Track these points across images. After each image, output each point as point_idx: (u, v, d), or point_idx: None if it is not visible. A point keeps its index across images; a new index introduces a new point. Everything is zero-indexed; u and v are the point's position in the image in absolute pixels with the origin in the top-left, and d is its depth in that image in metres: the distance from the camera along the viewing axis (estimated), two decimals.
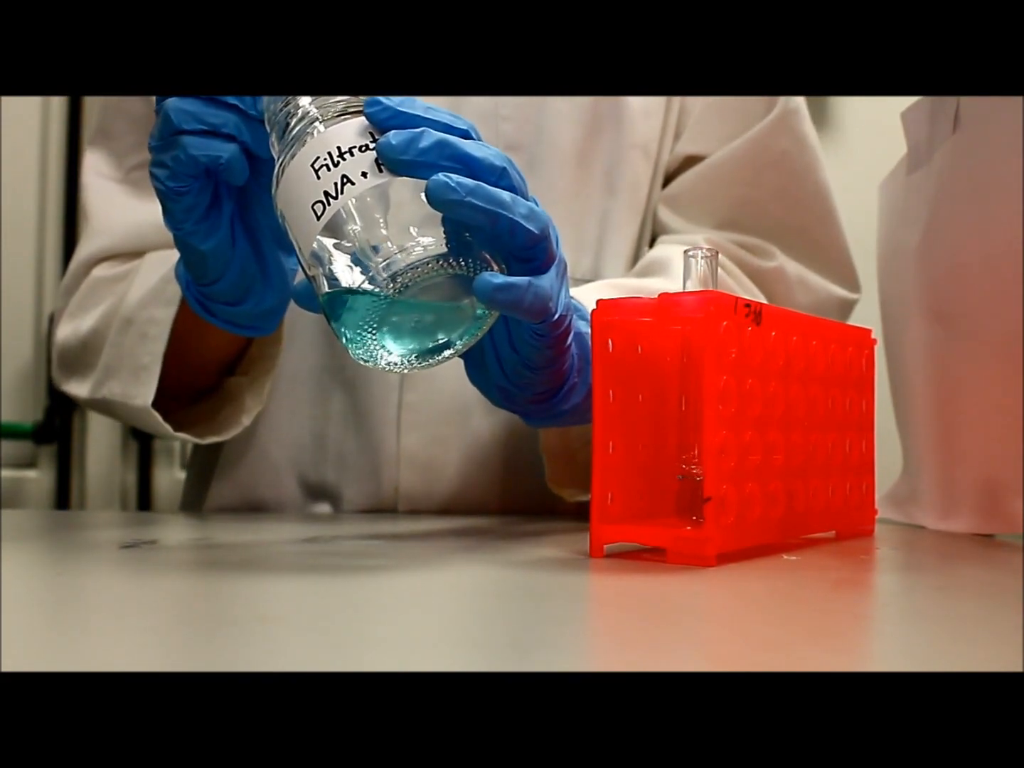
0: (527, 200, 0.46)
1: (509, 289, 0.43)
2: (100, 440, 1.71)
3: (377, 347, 0.44)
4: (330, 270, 0.44)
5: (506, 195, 0.44)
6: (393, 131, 0.44)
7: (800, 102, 0.81)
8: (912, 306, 0.68)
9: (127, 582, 0.42)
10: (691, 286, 0.49)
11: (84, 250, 0.78)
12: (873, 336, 0.61)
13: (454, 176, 0.42)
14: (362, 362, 0.45)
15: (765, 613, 0.37)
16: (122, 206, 0.76)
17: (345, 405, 0.74)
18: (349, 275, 0.43)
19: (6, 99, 1.59)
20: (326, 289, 0.44)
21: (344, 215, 0.43)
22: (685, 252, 0.49)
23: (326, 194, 0.44)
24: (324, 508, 0.75)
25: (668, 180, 0.82)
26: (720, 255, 0.76)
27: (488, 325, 0.47)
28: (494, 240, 0.45)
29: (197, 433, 0.71)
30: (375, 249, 0.42)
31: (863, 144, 1.52)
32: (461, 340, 0.46)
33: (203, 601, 0.38)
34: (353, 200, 0.43)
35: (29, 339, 1.70)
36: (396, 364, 0.46)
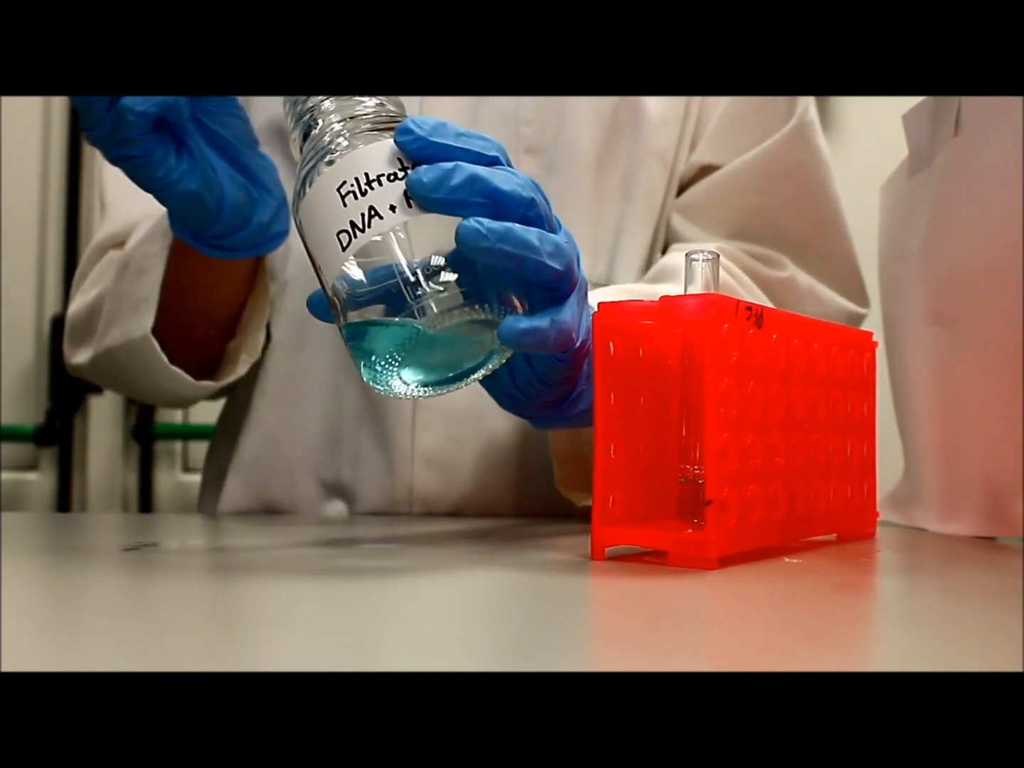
0: (553, 227, 0.47)
1: (534, 332, 0.44)
2: (101, 442, 1.71)
3: (394, 377, 0.45)
4: (353, 301, 0.43)
5: (534, 236, 0.44)
6: (424, 166, 0.43)
7: (814, 115, 0.81)
8: (913, 308, 0.68)
9: (128, 584, 0.42)
10: (693, 289, 0.49)
11: (99, 235, 0.80)
12: (874, 338, 0.61)
13: (484, 222, 0.43)
14: (376, 389, 0.45)
15: (766, 616, 0.37)
16: (138, 193, 0.77)
17: (360, 404, 0.75)
18: (372, 309, 0.43)
19: (6, 99, 1.59)
20: (347, 320, 0.44)
21: (369, 250, 0.43)
22: (687, 255, 0.49)
23: (352, 224, 0.43)
24: (339, 506, 0.76)
25: (682, 189, 0.82)
26: (731, 264, 0.76)
27: (505, 357, 0.47)
28: (519, 277, 0.45)
29: (192, 375, 0.73)
30: (399, 285, 0.42)
31: (864, 146, 1.52)
32: (478, 371, 0.47)
33: (204, 603, 0.38)
34: (380, 236, 0.43)
35: (30, 341, 1.70)
36: (411, 393, 0.46)
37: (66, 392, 1.66)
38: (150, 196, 0.77)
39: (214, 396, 0.87)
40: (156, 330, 0.70)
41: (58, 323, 1.65)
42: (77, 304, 0.78)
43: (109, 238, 0.78)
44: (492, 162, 0.46)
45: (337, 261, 0.44)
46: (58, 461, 1.69)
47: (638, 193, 0.78)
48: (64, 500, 1.68)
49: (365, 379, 0.45)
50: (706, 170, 0.81)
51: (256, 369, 0.78)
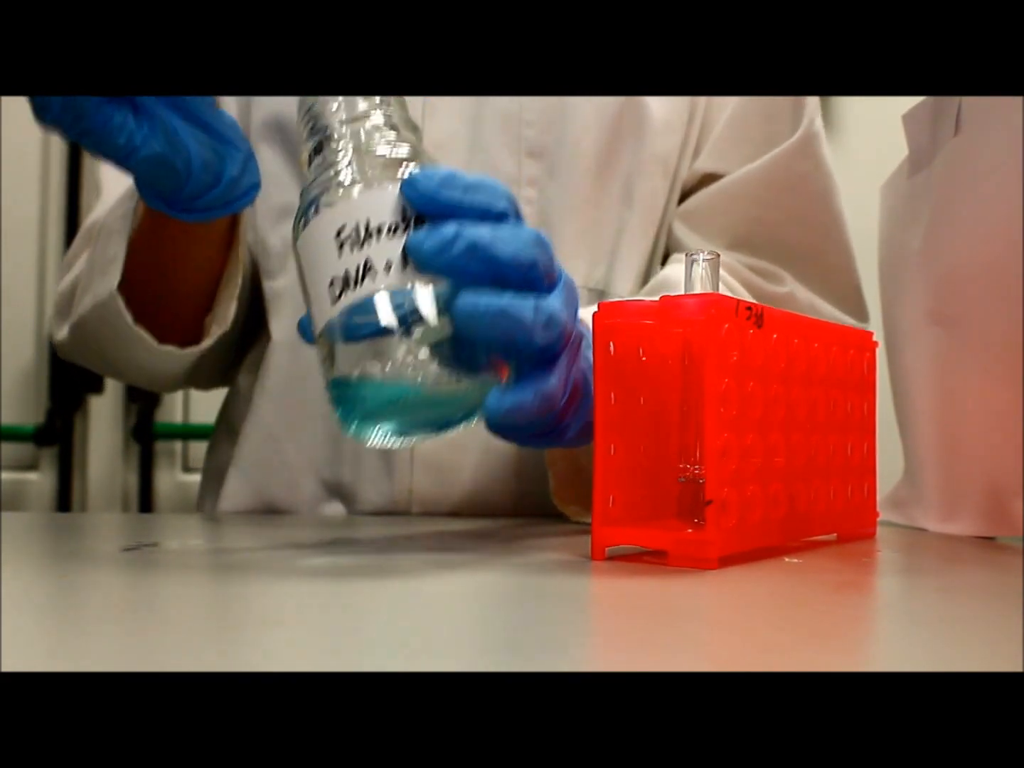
0: (554, 280, 0.47)
1: (517, 409, 0.45)
2: (101, 442, 1.71)
3: (372, 431, 0.44)
4: (341, 353, 0.43)
5: (529, 312, 0.44)
6: (425, 231, 0.43)
7: (820, 125, 0.80)
8: (913, 308, 0.68)
9: (128, 584, 0.42)
10: (692, 289, 0.49)
11: (90, 218, 0.81)
12: (874, 338, 0.61)
13: (481, 299, 0.43)
14: (355, 439, 0.45)
15: (767, 615, 0.37)
16: (129, 179, 0.78)
17: None
18: (358, 365, 0.43)
19: (6, 99, 1.59)
20: (333, 373, 0.44)
21: (359, 307, 0.43)
22: (687, 255, 0.49)
23: (346, 274, 0.43)
24: (338, 508, 0.76)
25: (685, 197, 0.81)
26: (730, 277, 0.76)
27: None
28: (511, 344, 0.45)
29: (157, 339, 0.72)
30: (386, 346, 0.42)
31: (864, 146, 1.52)
32: (458, 426, 0.46)
33: (204, 603, 0.38)
34: (371, 294, 0.42)
35: (30, 341, 1.70)
36: (390, 444, 0.46)
37: (66, 392, 1.66)
38: None
39: (209, 386, 0.87)
40: (137, 303, 0.70)
41: None
42: (62, 283, 0.79)
43: (97, 220, 0.78)
44: (500, 215, 0.45)
45: (327, 311, 0.43)
46: (58, 461, 1.69)
47: (639, 199, 0.78)
48: (64, 500, 1.68)
49: (342, 430, 0.45)
50: (709, 178, 0.80)
51: (257, 368, 0.78)
